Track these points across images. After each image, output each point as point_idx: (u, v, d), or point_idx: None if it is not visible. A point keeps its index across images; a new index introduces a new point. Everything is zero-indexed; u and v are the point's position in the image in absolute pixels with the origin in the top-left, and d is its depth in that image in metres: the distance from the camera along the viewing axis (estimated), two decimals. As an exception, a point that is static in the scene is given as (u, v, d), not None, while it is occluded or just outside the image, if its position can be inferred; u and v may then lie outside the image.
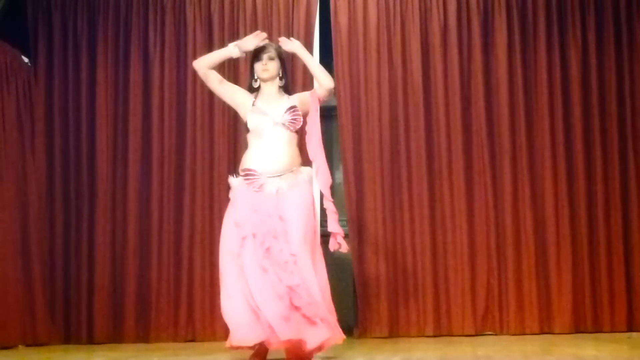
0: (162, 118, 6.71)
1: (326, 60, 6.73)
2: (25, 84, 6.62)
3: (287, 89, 4.83)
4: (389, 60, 6.66)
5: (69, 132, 6.74)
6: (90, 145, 6.71)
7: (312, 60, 4.82)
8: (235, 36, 6.71)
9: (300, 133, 4.77)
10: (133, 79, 6.74)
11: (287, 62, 4.97)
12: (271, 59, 4.71)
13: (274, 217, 4.49)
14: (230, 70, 6.70)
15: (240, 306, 4.35)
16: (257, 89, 4.76)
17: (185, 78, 6.73)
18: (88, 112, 6.75)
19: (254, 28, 6.68)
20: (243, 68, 6.67)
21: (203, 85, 6.65)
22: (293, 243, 4.43)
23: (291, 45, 4.74)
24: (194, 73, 6.66)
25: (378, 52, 6.67)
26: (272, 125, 4.63)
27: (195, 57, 6.65)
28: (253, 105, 4.70)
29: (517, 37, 6.65)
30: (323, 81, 4.71)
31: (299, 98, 4.79)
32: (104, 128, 6.72)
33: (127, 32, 6.79)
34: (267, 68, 4.71)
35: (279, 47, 4.82)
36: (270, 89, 4.75)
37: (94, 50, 6.79)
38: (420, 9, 6.68)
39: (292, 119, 4.63)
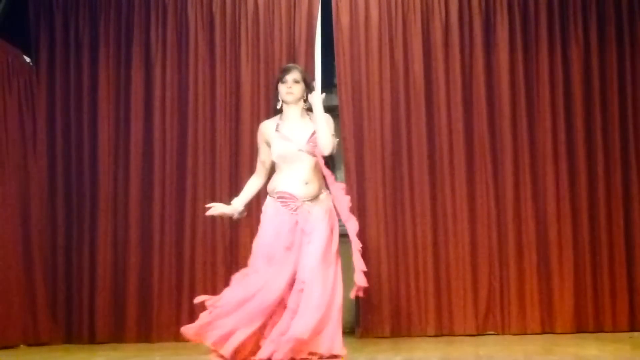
0: (163, 118, 6.71)
1: (328, 59, 6.74)
2: (27, 83, 6.63)
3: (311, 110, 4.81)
4: (390, 59, 6.66)
5: (70, 131, 6.74)
6: (91, 145, 6.71)
7: (321, 120, 4.60)
8: (236, 37, 6.72)
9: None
10: (134, 78, 6.75)
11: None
12: (296, 82, 4.65)
13: (301, 238, 4.50)
14: (232, 69, 6.71)
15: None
16: (280, 111, 4.74)
17: (187, 78, 6.73)
18: (90, 111, 6.75)
19: (256, 28, 6.70)
20: (244, 67, 6.68)
21: (204, 86, 6.71)
22: (306, 268, 4.44)
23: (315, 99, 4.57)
24: (196, 73, 6.72)
25: (380, 51, 6.66)
26: (297, 151, 4.60)
27: (197, 58, 6.73)
28: (277, 130, 4.68)
29: (518, 36, 6.64)
30: (323, 145, 4.56)
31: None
32: (105, 128, 6.72)
33: (128, 32, 6.79)
34: (291, 91, 4.65)
35: (304, 70, 4.81)
36: (294, 111, 4.69)
37: (96, 50, 6.79)
38: (422, 9, 6.67)
39: (314, 145, 4.62)
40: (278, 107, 4.69)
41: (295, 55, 6.63)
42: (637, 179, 6.53)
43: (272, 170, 4.64)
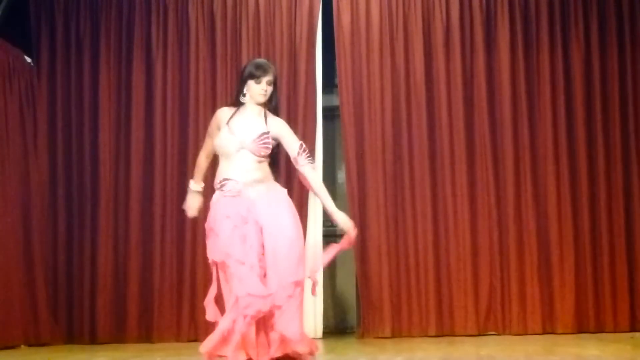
0: (164, 118, 6.71)
1: (328, 59, 6.74)
2: (28, 83, 6.63)
3: (275, 110, 4.73)
4: (391, 60, 6.65)
5: (71, 131, 6.75)
6: (92, 145, 6.71)
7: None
8: (237, 36, 6.72)
9: (271, 156, 4.68)
10: (135, 78, 6.75)
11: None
12: (269, 84, 4.61)
13: (249, 222, 4.48)
14: (233, 69, 6.71)
15: None
16: (241, 103, 4.68)
17: (188, 77, 6.73)
18: (90, 111, 6.75)
19: (257, 28, 6.70)
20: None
21: (205, 85, 6.71)
22: (273, 249, 4.42)
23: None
24: (196, 72, 6.72)
25: (381, 51, 6.66)
26: (239, 147, 4.57)
27: (197, 57, 6.72)
28: (227, 123, 4.64)
29: (519, 36, 6.64)
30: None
31: (277, 127, 4.63)
32: (106, 127, 6.73)
33: (129, 32, 6.79)
34: (265, 94, 4.61)
35: (275, 69, 4.75)
36: (254, 109, 4.66)
37: (97, 50, 6.79)
38: (422, 9, 6.67)
39: (260, 146, 4.55)
40: (243, 101, 4.65)
41: (296, 55, 6.63)
42: (638, 179, 6.53)
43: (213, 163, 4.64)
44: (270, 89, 4.58)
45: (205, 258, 6.58)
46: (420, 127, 6.60)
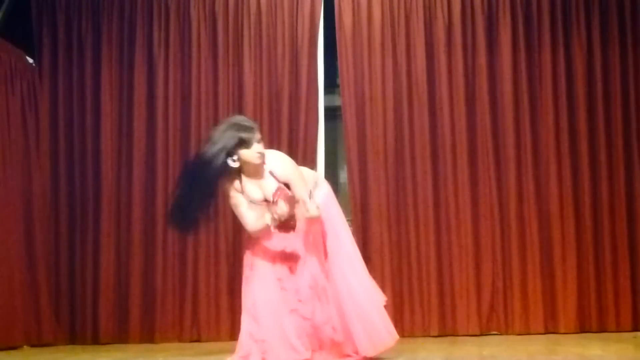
0: (166, 118, 6.72)
1: (330, 60, 6.74)
2: (30, 84, 6.63)
3: None
4: (393, 60, 6.65)
5: (73, 132, 6.75)
6: (94, 146, 6.72)
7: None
8: (239, 37, 6.72)
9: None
10: (137, 79, 6.75)
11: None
12: (259, 141, 4.40)
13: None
14: (235, 70, 6.71)
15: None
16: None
17: (190, 78, 6.73)
18: (92, 112, 6.76)
19: (258, 28, 6.70)
20: (247, 67, 6.68)
21: (207, 86, 6.71)
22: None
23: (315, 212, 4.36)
24: (198, 73, 6.73)
25: (382, 51, 6.66)
26: (268, 206, 4.51)
27: (199, 58, 6.73)
28: (244, 195, 4.49)
29: (521, 36, 6.63)
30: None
31: (281, 170, 4.49)
32: (108, 128, 6.73)
33: (131, 32, 6.80)
34: (261, 151, 4.42)
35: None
36: (253, 166, 4.48)
37: (98, 51, 6.79)
38: (424, 9, 6.67)
39: (279, 195, 4.48)
40: (234, 166, 4.43)
41: (298, 55, 6.63)
42: (640, 178, 6.54)
43: None
44: (261, 146, 4.42)
45: (207, 258, 6.65)
46: (422, 126, 6.60)
